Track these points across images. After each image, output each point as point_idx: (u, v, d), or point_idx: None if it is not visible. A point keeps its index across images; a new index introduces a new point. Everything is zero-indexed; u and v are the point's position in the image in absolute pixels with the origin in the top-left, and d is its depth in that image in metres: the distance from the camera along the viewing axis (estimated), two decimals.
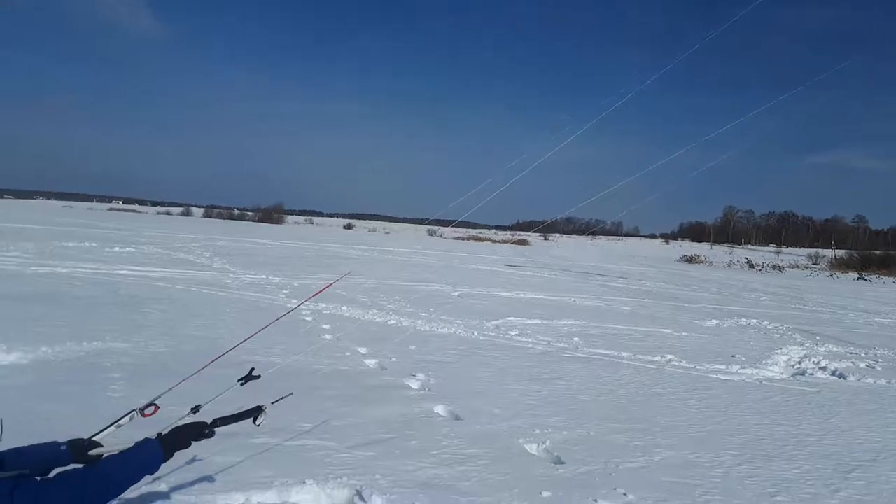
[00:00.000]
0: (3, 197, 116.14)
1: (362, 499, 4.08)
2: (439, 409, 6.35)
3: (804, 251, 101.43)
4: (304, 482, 4.25)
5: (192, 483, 4.07)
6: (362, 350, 8.86)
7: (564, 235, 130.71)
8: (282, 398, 3.22)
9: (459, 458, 5.01)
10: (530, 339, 10.84)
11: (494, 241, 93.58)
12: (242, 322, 10.21)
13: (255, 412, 3.02)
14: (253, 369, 3.25)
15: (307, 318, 11.15)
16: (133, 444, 2.53)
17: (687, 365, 9.71)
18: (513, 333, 11.36)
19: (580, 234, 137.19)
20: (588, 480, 4.76)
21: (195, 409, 2.96)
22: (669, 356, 10.18)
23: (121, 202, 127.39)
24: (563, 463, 5.11)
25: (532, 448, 5.45)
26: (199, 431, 2.71)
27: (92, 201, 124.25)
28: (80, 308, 10.00)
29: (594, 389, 7.68)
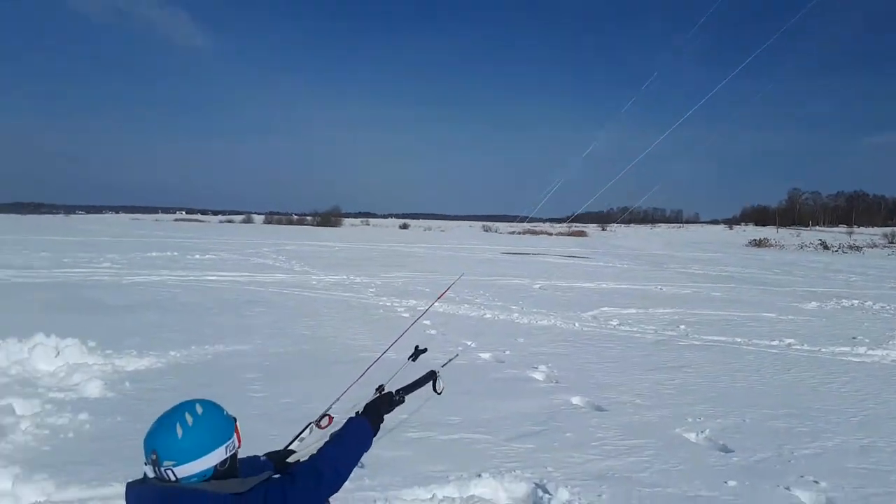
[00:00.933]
0: (74, 213, 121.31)
1: (546, 491, 3.93)
2: (577, 401, 6.16)
3: (878, 230, 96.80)
4: (479, 475, 4.12)
5: (372, 479, 3.99)
6: (471, 344, 8.73)
7: (623, 225, 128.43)
8: (450, 360, 3.12)
9: (622, 449, 4.81)
10: (635, 329, 10.53)
11: (551, 234, 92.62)
12: (345, 321, 10.25)
13: (431, 377, 2.92)
14: (418, 346, 3.16)
15: (404, 315, 11.11)
16: (342, 426, 2.49)
17: (809, 348, 9.25)
18: (614, 323, 11.07)
19: (639, 224, 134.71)
20: (768, 468, 4.50)
21: (379, 388, 2.90)
22: (788, 340, 9.73)
23: (184, 213, 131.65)
24: (731, 451, 4.85)
25: (692, 437, 5.20)
26: (391, 400, 2.65)
27: (157, 213, 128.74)
28: (189, 314, 10.19)
29: (727, 376, 7.36)
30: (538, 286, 17.11)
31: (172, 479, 1.75)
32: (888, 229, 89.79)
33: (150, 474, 1.78)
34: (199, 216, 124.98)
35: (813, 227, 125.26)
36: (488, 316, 11.42)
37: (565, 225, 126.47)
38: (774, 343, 9.53)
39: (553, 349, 8.62)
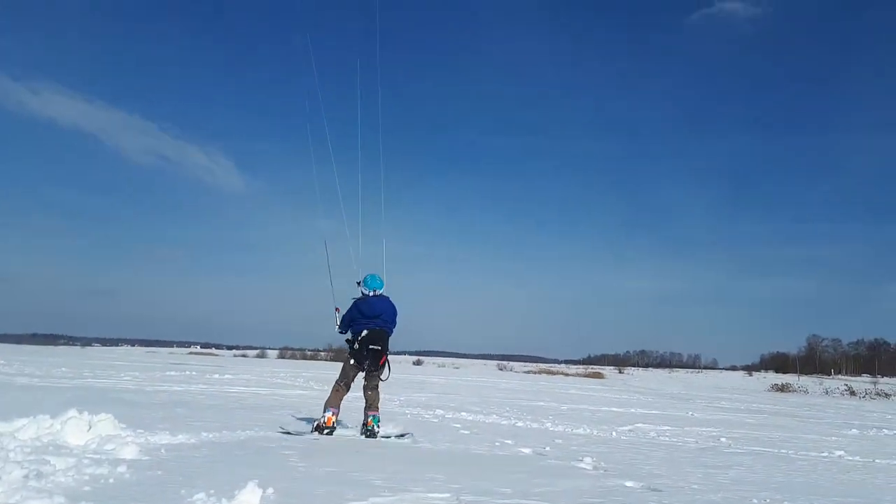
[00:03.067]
0: (91, 345, 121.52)
1: None
2: (630, 484, 5.83)
3: None
4: None
5: None
6: (509, 441, 8.41)
7: (640, 368, 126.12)
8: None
9: None
10: (676, 439, 10.11)
11: (567, 375, 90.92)
12: None
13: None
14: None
15: (433, 421, 10.79)
16: None
17: (863, 459, 8.80)
18: (652, 435, 10.65)
19: (655, 367, 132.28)
20: None
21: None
22: (838, 452, 9.28)
23: (199, 346, 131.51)
24: None
25: None
26: None
27: (172, 347, 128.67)
28: (217, 410, 9.99)
29: (782, 475, 6.96)
30: (565, 408, 16.64)
31: None
32: None
33: None
34: (213, 350, 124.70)
35: (835, 376, 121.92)
36: (520, 425, 11.05)
37: (581, 367, 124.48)
38: (824, 454, 9.09)
39: (594, 449, 8.25)
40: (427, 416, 11.26)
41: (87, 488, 4.11)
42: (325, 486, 4.77)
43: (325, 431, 7.97)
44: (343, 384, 8.40)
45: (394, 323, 8.54)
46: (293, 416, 10.04)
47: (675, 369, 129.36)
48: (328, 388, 8.53)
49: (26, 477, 4.07)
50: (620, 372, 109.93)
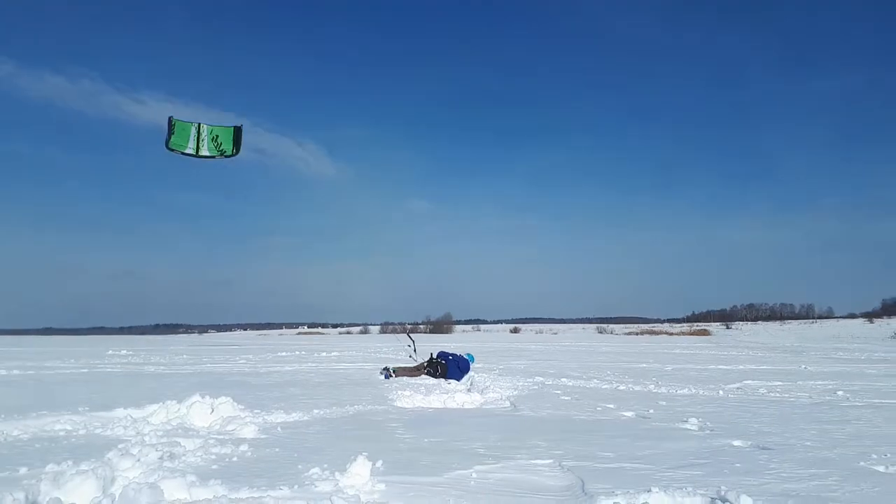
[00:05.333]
0: (207, 332, 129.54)
1: (727, 500, 3.61)
2: (738, 443, 5.70)
3: None
4: (648, 490, 3.86)
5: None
6: (611, 405, 8.37)
7: (748, 323, 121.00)
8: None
9: (803, 476, 4.37)
10: (788, 395, 9.74)
11: (671, 334, 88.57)
12: None
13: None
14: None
15: (534, 388, 10.87)
16: None
17: None
18: (762, 391, 10.30)
19: (765, 321, 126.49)
20: None
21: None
22: None
23: (306, 327, 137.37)
24: None
25: (881, 468, 4.67)
26: None
27: (281, 329, 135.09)
28: (327, 388, 10.48)
29: None
30: (670, 368, 16.31)
31: None
32: None
33: None
34: (319, 329, 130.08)
35: None
36: (622, 388, 10.95)
37: (685, 325, 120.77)
38: None
39: (699, 409, 8.09)
40: (527, 384, 11.34)
41: (214, 467, 4.48)
42: (431, 456, 4.96)
43: (386, 375, 12.55)
44: (414, 371, 13.04)
45: (457, 374, 12.63)
46: (397, 385, 10.42)
47: (786, 321, 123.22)
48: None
49: (161, 458, 4.47)
50: (727, 328, 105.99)
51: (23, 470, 4.15)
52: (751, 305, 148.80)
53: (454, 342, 43.85)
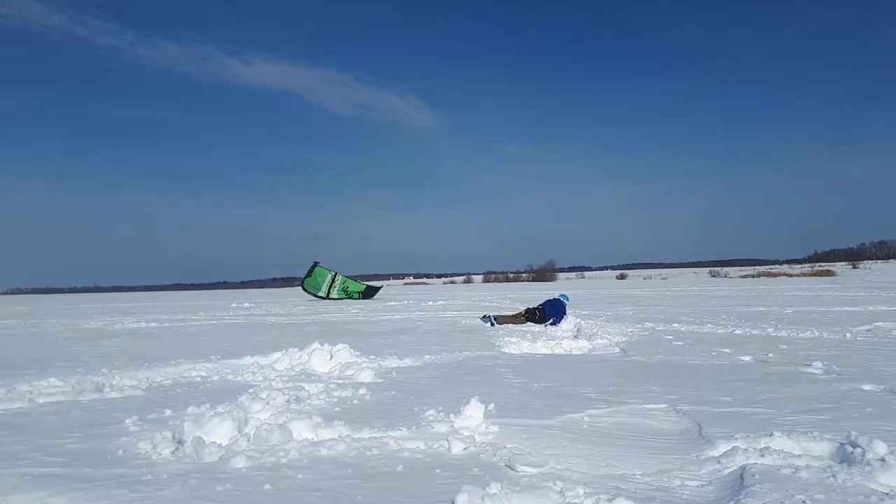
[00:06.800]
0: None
1: (857, 446, 3.44)
2: (869, 387, 5.39)
3: None
4: (770, 435, 3.75)
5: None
6: (727, 350, 8.11)
7: (879, 261, 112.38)
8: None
9: None
10: None
11: (791, 276, 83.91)
12: None
13: None
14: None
15: (644, 334, 10.68)
16: None
17: None
18: (895, 334, 9.62)
19: None
20: None
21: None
22: None
23: (412, 277, 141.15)
24: None
25: None
26: None
27: (388, 280, 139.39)
28: (436, 335, 10.77)
29: None
30: (790, 311, 15.51)
31: None
32: None
33: None
34: (424, 280, 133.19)
35: None
36: (738, 332, 10.54)
37: (806, 265, 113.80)
38: None
39: (825, 352, 7.67)
40: (636, 330, 11.15)
41: (337, 409, 4.74)
42: (542, 400, 5.03)
43: (489, 322, 13.08)
44: (516, 318, 13.45)
45: (555, 313, 13.09)
46: (503, 332, 10.55)
47: None
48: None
49: (288, 401, 4.78)
50: (855, 267, 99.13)
51: (168, 412, 4.56)
52: (881, 242, 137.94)
53: (557, 290, 43.66)
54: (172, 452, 3.49)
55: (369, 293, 30.68)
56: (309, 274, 29.13)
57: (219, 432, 3.77)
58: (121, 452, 3.53)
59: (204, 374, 6.68)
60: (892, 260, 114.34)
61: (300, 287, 28.10)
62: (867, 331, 10.21)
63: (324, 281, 28.91)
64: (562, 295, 13.95)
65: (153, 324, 14.78)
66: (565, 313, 13.07)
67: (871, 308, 15.81)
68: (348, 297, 28.87)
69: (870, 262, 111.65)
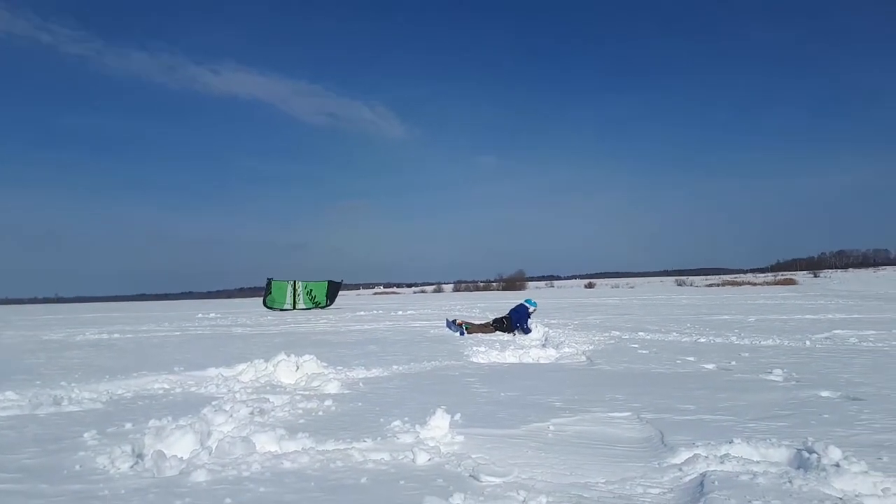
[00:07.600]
0: None
1: (813, 452, 3.51)
2: (827, 394, 5.52)
3: None
4: (730, 442, 3.81)
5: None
6: (691, 358, 8.23)
7: (839, 270, 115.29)
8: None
9: (892, 427, 4.20)
10: (882, 344, 9.30)
11: (755, 284, 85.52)
12: None
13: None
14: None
15: (610, 342, 10.79)
16: None
17: None
18: (853, 341, 9.87)
19: (857, 268, 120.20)
20: None
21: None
22: None
23: (381, 287, 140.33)
24: None
25: None
26: None
27: (358, 289, 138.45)
28: (404, 345, 10.75)
29: None
30: (753, 319, 15.82)
31: None
32: None
33: None
34: (395, 289, 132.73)
35: None
36: (703, 340, 10.71)
37: (769, 274, 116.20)
38: None
39: (784, 360, 7.84)
40: (603, 338, 11.27)
41: (301, 421, 4.70)
42: (508, 409, 5.05)
43: (457, 331, 13.33)
44: (485, 328, 13.59)
45: (520, 319, 13.32)
46: (472, 341, 10.57)
47: (881, 268, 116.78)
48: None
49: (252, 413, 4.73)
50: (815, 276, 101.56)
51: (128, 425, 4.47)
52: (841, 252, 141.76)
53: (531, 297, 43.80)
54: (131, 467, 3.41)
55: (332, 290, 29.98)
56: (268, 291, 28.50)
57: (180, 445, 3.70)
58: (78, 467, 3.45)
59: (167, 386, 6.57)
60: (851, 269, 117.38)
61: (263, 305, 27.65)
62: (826, 338, 10.46)
63: (284, 293, 28.33)
64: (527, 300, 14.07)
65: (116, 335, 14.48)
66: (528, 315, 13.30)
67: (830, 316, 16.20)
68: (316, 307, 28.66)
69: (830, 270, 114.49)
